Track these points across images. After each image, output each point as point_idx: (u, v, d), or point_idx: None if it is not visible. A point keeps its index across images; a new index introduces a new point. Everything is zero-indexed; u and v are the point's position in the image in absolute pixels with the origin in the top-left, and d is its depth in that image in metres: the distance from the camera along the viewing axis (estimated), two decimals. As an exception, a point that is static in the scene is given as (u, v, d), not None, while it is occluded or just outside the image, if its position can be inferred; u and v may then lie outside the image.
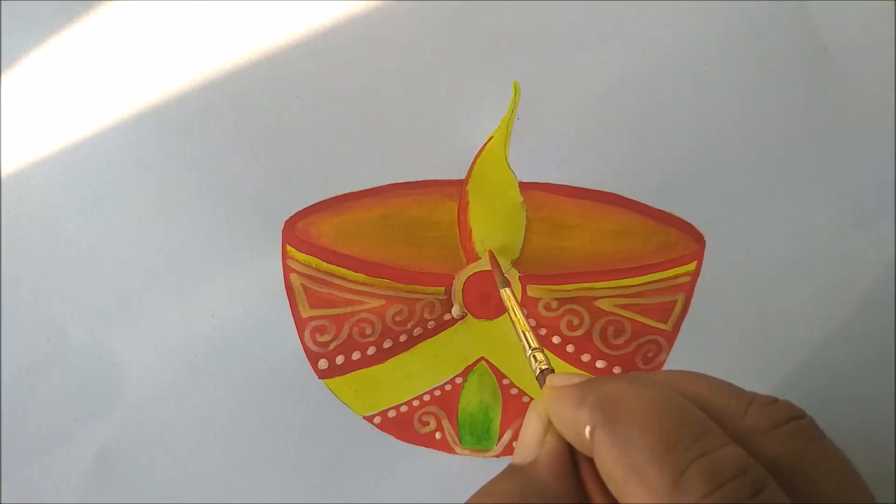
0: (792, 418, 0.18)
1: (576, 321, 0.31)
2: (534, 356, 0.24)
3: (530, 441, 0.20)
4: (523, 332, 0.26)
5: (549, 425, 0.20)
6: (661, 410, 0.17)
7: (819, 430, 0.18)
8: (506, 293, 0.28)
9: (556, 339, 0.32)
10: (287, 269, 0.31)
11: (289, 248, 0.30)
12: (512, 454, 0.32)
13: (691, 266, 0.31)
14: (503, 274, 0.30)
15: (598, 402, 0.18)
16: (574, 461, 0.20)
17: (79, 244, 0.30)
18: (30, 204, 0.30)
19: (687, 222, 0.31)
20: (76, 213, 0.30)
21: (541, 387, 0.23)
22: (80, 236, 0.30)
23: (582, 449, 0.19)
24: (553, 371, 0.23)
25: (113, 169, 0.30)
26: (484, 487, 0.20)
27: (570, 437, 0.19)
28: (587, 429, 0.18)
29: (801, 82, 0.30)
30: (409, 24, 0.29)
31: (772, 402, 0.19)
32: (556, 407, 0.20)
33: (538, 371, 0.24)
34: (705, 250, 0.31)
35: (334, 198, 0.30)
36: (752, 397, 0.19)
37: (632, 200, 0.31)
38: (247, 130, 0.30)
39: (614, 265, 0.31)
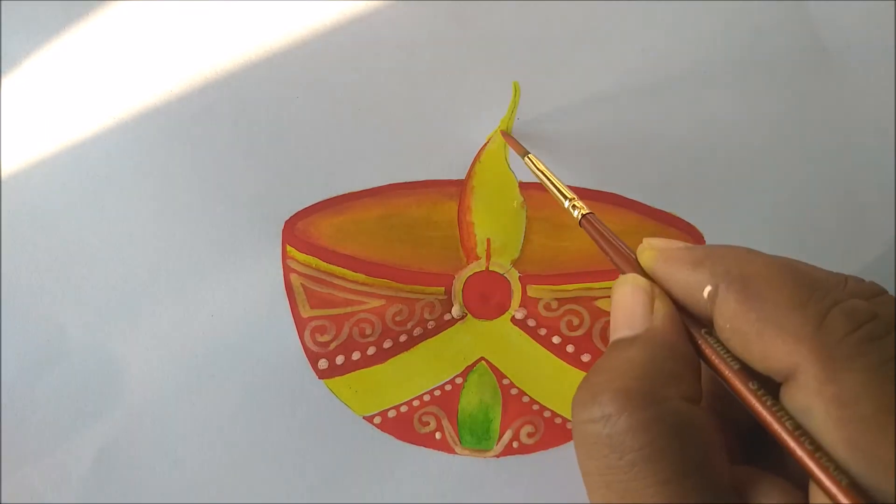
0: (882, 292, 0.19)
1: (576, 321, 0.31)
2: (574, 204, 0.24)
3: (639, 309, 0.20)
4: (556, 186, 0.26)
5: (653, 292, 0.20)
6: (788, 270, 0.18)
7: None
8: (530, 159, 0.28)
9: (556, 339, 0.32)
10: (287, 269, 0.31)
11: (289, 248, 0.30)
12: (512, 454, 0.32)
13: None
14: (520, 144, 0.29)
15: (719, 264, 0.19)
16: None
17: (79, 244, 0.30)
18: (30, 204, 0.30)
19: (687, 222, 0.31)
20: (76, 213, 0.30)
21: (581, 226, 0.24)
22: (80, 236, 0.30)
23: (696, 310, 0.19)
24: (595, 216, 0.24)
25: (113, 169, 0.30)
26: (600, 364, 0.19)
27: (682, 299, 0.20)
28: (707, 289, 0.18)
29: (801, 82, 0.30)
30: (409, 24, 0.29)
31: (862, 279, 0.19)
32: (668, 269, 0.20)
33: (580, 217, 0.24)
34: (705, 250, 0.31)
35: (334, 198, 0.30)
36: (846, 275, 0.19)
37: (632, 200, 0.31)
38: (247, 130, 0.30)
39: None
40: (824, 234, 0.32)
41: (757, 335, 0.17)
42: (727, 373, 0.18)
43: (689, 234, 0.31)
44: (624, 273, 0.21)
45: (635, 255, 0.22)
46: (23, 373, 0.30)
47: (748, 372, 0.18)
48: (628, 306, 0.20)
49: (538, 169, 0.27)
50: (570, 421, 0.32)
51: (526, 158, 0.28)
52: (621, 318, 0.20)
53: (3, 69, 0.29)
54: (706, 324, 0.19)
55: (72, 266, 0.30)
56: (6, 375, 0.30)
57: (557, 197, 0.25)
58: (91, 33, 0.29)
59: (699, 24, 0.30)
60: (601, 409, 0.18)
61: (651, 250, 0.21)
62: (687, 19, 0.30)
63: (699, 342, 0.19)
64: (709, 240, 0.31)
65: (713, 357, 0.19)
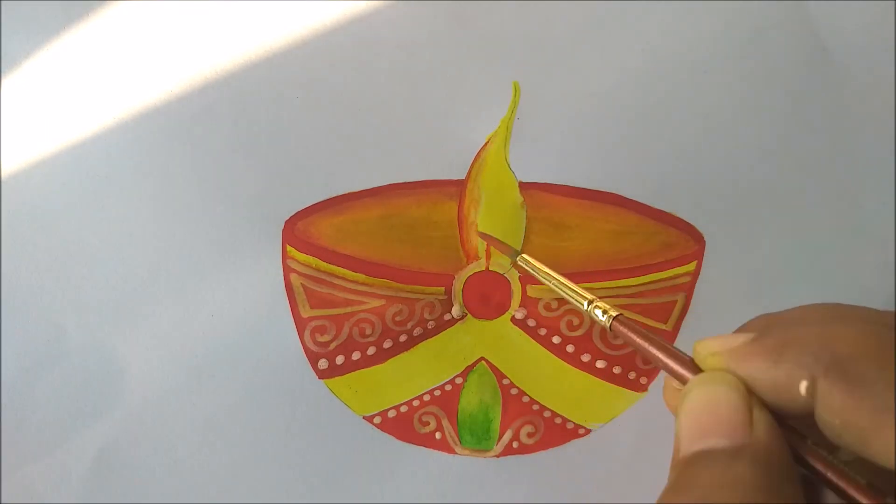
0: None
1: (576, 321, 0.31)
2: (596, 308, 0.22)
3: (736, 418, 0.17)
4: (570, 289, 0.23)
5: (750, 399, 0.17)
6: (883, 343, 0.16)
7: None
8: (524, 260, 0.26)
9: (556, 339, 0.32)
10: (287, 269, 0.31)
11: (289, 248, 0.30)
12: (512, 454, 0.32)
13: (691, 266, 0.31)
14: (507, 245, 0.29)
15: (804, 351, 0.16)
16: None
17: (79, 244, 0.30)
18: (30, 204, 0.30)
19: (687, 222, 0.31)
20: (76, 213, 0.30)
21: (610, 330, 0.21)
22: (80, 236, 0.30)
23: (791, 409, 0.17)
24: (624, 315, 0.21)
25: (113, 169, 0.30)
26: (692, 479, 0.16)
27: (771, 400, 0.17)
28: (803, 384, 0.16)
29: (801, 82, 0.30)
30: (409, 24, 0.29)
31: None
32: (747, 368, 0.17)
33: (609, 321, 0.21)
34: (705, 250, 0.31)
35: (334, 198, 0.30)
36: None
37: (632, 200, 0.31)
38: (247, 130, 0.30)
39: (614, 265, 0.31)
40: (824, 234, 0.32)
41: (876, 429, 0.15)
42: (854, 492, 0.16)
43: (690, 234, 0.31)
44: (681, 375, 0.19)
45: (688, 355, 0.19)
46: (23, 373, 0.30)
47: (876, 487, 0.16)
48: (720, 411, 0.17)
49: (538, 267, 0.25)
50: (570, 421, 0.32)
51: (519, 259, 0.27)
52: (709, 426, 0.17)
53: (3, 69, 0.29)
54: (800, 426, 0.17)
55: (72, 266, 0.30)
56: (6, 375, 0.30)
57: (571, 299, 0.23)
58: (91, 33, 0.29)
59: (699, 24, 0.30)
60: None
61: (713, 355, 0.18)
62: (687, 19, 0.30)
63: (808, 457, 0.17)
64: (709, 240, 0.31)
65: (830, 474, 0.16)
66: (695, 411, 0.18)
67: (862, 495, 0.16)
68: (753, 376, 0.17)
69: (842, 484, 0.16)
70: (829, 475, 0.16)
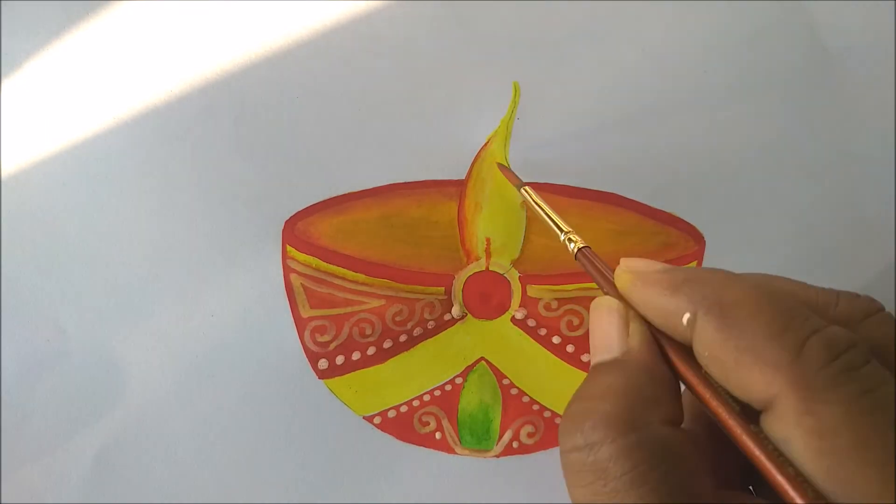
0: (879, 309, 0.19)
1: (576, 321, 0.31)
2: (569, 238, 0.24)
3: (615, 333, 0.20)
4: (552, 218, 0.26)
5: (628, 315, 0.20)
6: (766, 296, 0.18)
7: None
8: (526, 191, 0.28)
9: (556, 339, 0.32)
10: (287, 269, 0.31)
11: (289, 248, 0.30)
12: (512, 454, 0.32)
13: (691, 266, 0.31)
14: (516, 175, 0.29)
15: (697, 290, 0.18)
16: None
17: (79, 244, 0.30)
18: (30, 204, 0.30)
19: (687, 222, 0.31)
20: (76, 213, 0.30)
21: (577, 260, 0.23)
22: (80, 236, 0.30)
23: (673, 335, 0.19)
24: (591, 249, 0.23)
25: (113, 169, 0.30)
26: (581, 391, 0.19)
27: (659, 323, 0.19)
28: (685, 316, 0.18)
29: (801, 82, 0.30)
30: (409, 24, 0.29)
31: (856, 296, 0.19)
32: (645, 293, 0.20)
33: (576, 250, 0.24)
34: (705, 250, 0.31)
35: (334, 198, 0.30)
36: (838, 291, 0.19)
37: (632, 200, 0.31)
38: (247, 130, 0.30)
39: (614, 265, 0.31)
40: (824, 234, 0.32)
41: (735, 364, 0.17)
42: (707, 396, 0.18)
43: (690, 234, 0.31)
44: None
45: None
46: (23, 373, 0.30)
47: (729, 397, 0.18)
48: (604, 330, 0.20)
49: (533, 200, 0.27)
50: (570, 421, 0.32)
51: (522, 190, 0.28)
52: (598, 342, 0.20)
53: (3, 69, 0.29)
54: (685, 348, 0.19)
55: (72, 266, 0.30)
56: (6, 375, 0.30)
57: (553, 229, 0.25)
58: (91, 33, 0.29)
59: (699, 24, 0.30)
60: (584, 437, 0.18)
61: (627, 273, 0.20)
62: (687, 19, 0.30)
63: (676, 364, 0.19)
64: (709, 240, 0.31)
65: (692, 379, 0.19)
66: (591, 332, 0.21)
67: (717, 403, 0.18)
68: (650, 301, 0.19)
69: (698, 388, 0.18)
70: (692, 381, 0.19)
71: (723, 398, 0.18)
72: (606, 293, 0.21)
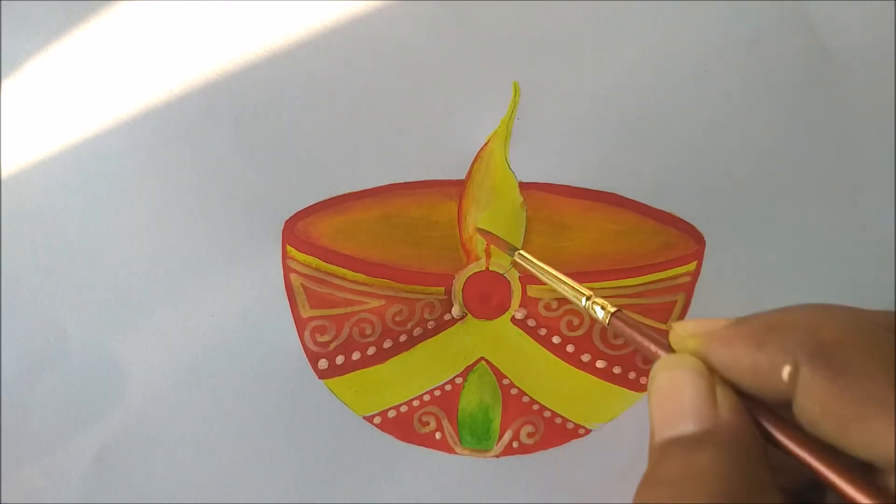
0: None
1: (576, 321, 0.31)
2: (594, 304, 0.21)
3: (699, 402, 0.16)
4: (569, 285, 0.23)
5: (713, 379, 0.17)
6: (868, 334, 0.16)
7: None
8: (521, 257, 0.26)
9: (556, 339, 0.32)
10: (287, 269, 0.31)
11: (289, 248, 0.30)
12: (511, 454, 0.32)
13: (691, 266, 0.31)
14: (506, 241, 0.29)
15: (789, 337, 0.16)
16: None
17: (79, 244, 0.30)
18: (30, 204, 0.30)
19: (687, 222, 0.31)
20: (76, 213, 0.30)
21: (610, 327, 0.21)
22: (80, 236, 0.30)
23: (768, 396, 0.16)
24: (623, 311, 0.21)
25: (113, 169, 0.30)
26: (660, 472, 0.16)
27: (751, 384, 0.17)
28: (786, 369, 0.16)
29: (801, 82, 0.30)
30: (409, 24, 0.29)
31: None
32: (727, 352, 0.17)
33: (608, 317, 0.21)
34: (705, 250, 0.31)
35: (334, 198, 0.30)
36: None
37: (632, 200, 0.31)
38: (247, 130, 0.30)
39: (614, 265, 0.31)
40: (824, 234, 0.32)
41: (857, 418, 0.15)
42: (825, 469, 0.15)
43: (690, 234, 0.31)
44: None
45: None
46: (23, 373, 0.30)
47: (856, 470, 0.15)
48: (682, 397, 0.17)
49: (536, 264, 0.25)
50: (570, 421, 0.32)
51: (517, 255, 0.26)
52: (674, 411, 0.17)
53: (3, 69, 0.29)
54: (778, 410, 0.16)
55: (72, 266, 0.30)
56: (6, 375, 0.30)
57: (567, 294, 0.23)
58: (91, 33, 0.29)
59: (699, 24, 0.30)
60: None
61: (693, 337, 0.18)
62: (687, 19, 0.30)
63: (776, 433, 0.16)
64: (709, 240, 0.31)
65: (804, 449, 0.16)
66: (661, 396, 0.17)
67: (844, 480, 0.15)
68: (734, 360, 0.17)
69: (819, 467, 0.15)
70: (808, 455, 0.16)
71: (847, 469, 0.15)
72: (651, 354, 0.19)
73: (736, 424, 0.16)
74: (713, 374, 0.17)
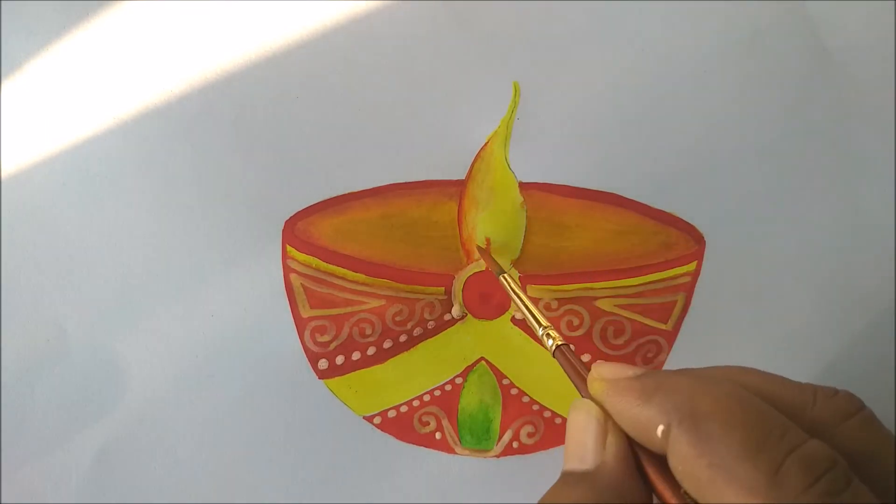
0: (858, 409, 0.18)
1: (576, 321, 0.31)
2: (547, 334, 0.24)
3: (590, 443, 0.19)
4: (531, 311, 0.25)
5: (607, 424, 0.19)
6: (741, 407, 0.17)
7: (878, 420, 0.18)
8: (504, 279, 0.28)
9: (556, 339, 0.32)
10: (287, 269, 0.31)
11: (289, 248, 0.30)
12: (511, 454, 0.32)
13: (691, 266, 0.31)
14: (497, 263, 0.29)
15: (669, 399, 0.17)
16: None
17: (79, 244, 0.30)
18: (30, 204, 0.30)
19: (687, 222, 0.31)
20: (76, 213, 0.30)
21: (554, 357, 0.23)
22: (80, 236, 0.30)
23: (650, 446, 0.18)
24: (570, 347, 0.23)
25: (113, 169, 0.30)
26: (549, 498, 0.19)
27: (634, 435, 0.19)
28: (659, 428, 0.17)
29: (801, 82, 0.30)
30: (409, 24, 0.29)
31: (834, 393, 0.18)
32: (618, 402, 0.19)
33: (554, 348, 0.23)
34: (705, 250, 0.31)
35: (334, 198, 0.30)
36: (815, 389, 0.18)
37: (632, 200, 0.31)
38: (247, 130, 0.30)
39: (614, 265, 0.31)
40: (824, 234, 0.32)
41: (709, 482, 0.16)
42: None
43: (690, 234, 0.31)
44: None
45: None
46: (23, 373, 0.30)
47: None
48: (580, 437, 0.19)
49: (512, 288, 0.27)
50: (570, 421, 0.32)
51: (501, 277, 0.28)
52: (572, 449, 0.19)
53: (3, 69, 0.29)
54: (662, 460, 0.18)
55: (72, 266, 0.30)
56: (6, 375, 0.30)
57: (531, 322, 0.25)
58: (91, 33, 0.29)
59: (699, 24, 0.30)
60: None
61: (599, 381, 0.20)
62: (687, 19, 0.30)
63: (653, 480, 0.18)
64: (709, 240, 0.31)
65: (668, 498, 0.18)
66: (568, 433, 0.20)
67: None
68: (623, 411, 0.19)
69: None
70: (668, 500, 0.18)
71: None
72: (584, 396, 0.21)
73: (615, 469, 0.18)
74: (608, 421, 0.19)
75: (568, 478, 0.19)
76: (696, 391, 0.17)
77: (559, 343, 0.23)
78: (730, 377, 0.19)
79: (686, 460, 0.17)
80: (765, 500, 0.15)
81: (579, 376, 0.21)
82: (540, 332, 0.24)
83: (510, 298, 0.28)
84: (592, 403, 0.20)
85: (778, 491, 0.15)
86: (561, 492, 0.19)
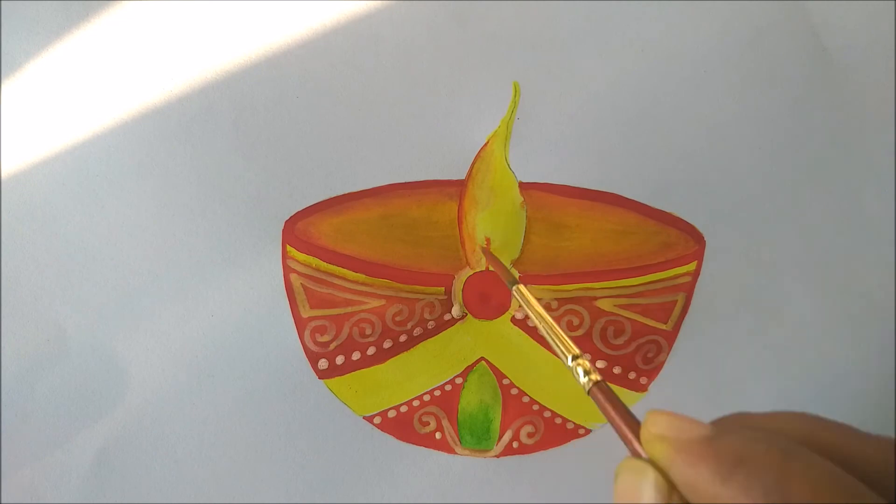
0: None
1: (576, 321, 0.31)
2: (579, 367, 0.20)
3: None
4: (556, 337, 0.21)
5: (671, 496, 0.16)
6: (835, 490, 0.15)
7: None
8: (518, 290, 0.25)
9: (556, 339, 0.32)
10: (287, 269, 0.31)
11: (289, 248, 0.30)
12: (511, 454, 0.32)
13: (691, 266, 0.31)
14: (508, 272, 0.29)
15: (758, 480, 0.15)
16: None
17: (79, 244, 0.30)
18: (30, 204, 0.30)
19: (687, 222, 0.31)
20: (76, 213, 0.30)
21: (590, 395, 0.19)
22: (80, 236, 0.30)
23: None
24: (607, 384, 0.19)
25: (113, 169, 0.30)
26: None
27: None
28: None
29: (801, 82, 0.30)
30: (409, 24, 0.29)
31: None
32: (690, 474, 0.16)
33: (589, 385, 0.19)
34: (705, 250, 0.31)
35: (334, 198, 0.30)
36: (878, 441, 0.16)
37: (632, 200, 0.31)
38: (247, 130, 0.30)
39: (614, 265, 0.31)
40: (824, 234, 0.32)
41: None
42: None
43: (690, 234, 0.31)
44: (633, 454, 0.18)
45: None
46: (23, 373, 0.30)
47: None
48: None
49: (532, 304, 0.24)
50: (570, 421, 0.32)
51: (516, 288, 0.25)
52: None
53: (3, 69, 0.29)
54: None
55: (72, 266, 0.30)
56: (6, 375, 0.30)
57: (558, 350, 0.21)
58: (91, 33, 0.29)
59: (699, 24, 0.30)
60: None
61: (661, 441, 0.16)
62: (686, 19, 0.30)
63: None
64: (709, 240, 0.31)
65: None
66: (620, 497, 0.17)
67: None
68: (695, 485, 0.16)
69: None
70: None
71: None
72: (622, 435, 0.18)
73: None
74: (672, 491, 0.16)
75: None
76: (787, 470, 0.15)
77: (596, 380, 0.19)
78: (810, 439, 0.16)
79: None
80: None
81: (627, 423, 0.18)
82: (569, 362, 0.20)
83: (526, 311, 0.25)
84: (652, 469, 0.16)
85: None
86: None
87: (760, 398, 0.33)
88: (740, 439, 0.16)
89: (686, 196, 0.31)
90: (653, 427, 0.17)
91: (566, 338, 0.21)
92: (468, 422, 0.32)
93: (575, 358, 0.20)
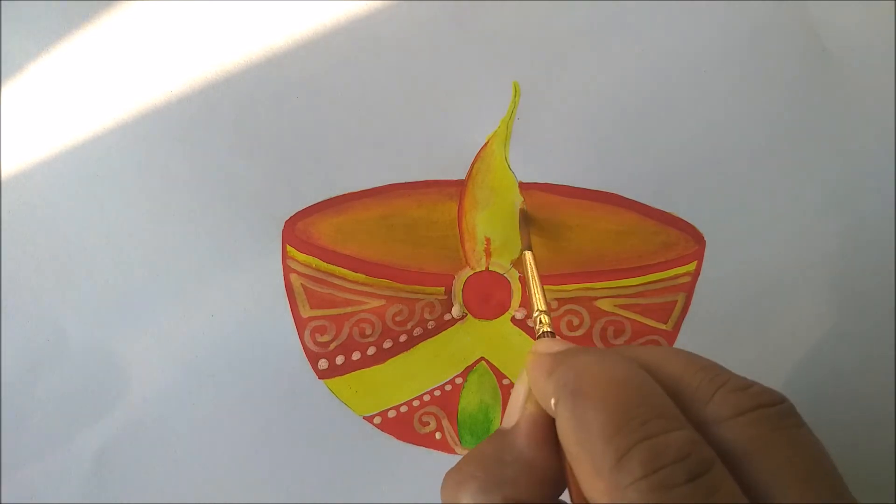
0: (759, 406, 0.17)
1: (576, 321, 0.31)
2: (539, 318, 0.24)
3: (514, 406, 0.21)
4: (535, 292, 0.26)
5: (530, 391, 0.20)
6: (618, 389, 0.17)
7: (794, 418, 0.18)
8: (528, 255, 0.28)
9: (556, 339, 0.32)
10: (287, 269, 0.31)
11: (289, 248, 0.30)
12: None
13: (691, 266, 0.31)
14: (528, 236, 0.29)
15: (563, 375, 0.18)
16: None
17: (79, 244, 0.30)
18: (30, 204, 0.30)
19: (687, 222, 0.31)
20: (76, 213, 0.30)
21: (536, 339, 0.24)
22: (80, 236, 0.30)
23: (554, 416, 0.19)
24: (553, 335, 0.23)
25: (113, 169, 0.30)
26: (471, 450, 0.21)
27: (543, 405, 0.20)
28: (552, 400, 0.18)
29: (801, 82, 0.30)
30: (409, 24, 0.29)
31: (743, 387, 0.18)
32: (532, 374, 0.20)
33: (539, 333, 0.24)
34: (705, 250, 0.31)
35: (334, 198, 0.30)
36: (724, 381, 0.18)
37: (632, 200, 0.31)
38: (247, 130, 0.30)
39: (614, 265, 0.31)
40: (824, 234, 0.32)
41: (576, 460, 0.16)
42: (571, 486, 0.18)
43: (690, 234, 0.31)
44: None
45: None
46: (23, 373, 0.30)
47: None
48: (512, 400, 0.21)
49: (529, 265, 0.27)
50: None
51: (526, 252, 0.28)
52: (507, 408, 0.21)
53: (3, 69, 0.29)
54: None
55: (72, 266, 0.30)
56: (6, 375, 0.30)
57: (533, 301, 0.26)
58: (91, 33, 0.29)
59: (699, 24, 0.30)
60: (445, 494, 0.19)
61: (529, 354, 0.21)
62: (686, 19, 0.30)
63: (558, 449, 0.19)
64: (709, 240, 0.31)
65: (564, 464, 0.18)
66: (512, 400, 0.21)
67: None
68: (532, 382, 0.20)
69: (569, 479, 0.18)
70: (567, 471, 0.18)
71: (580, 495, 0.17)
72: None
73: (523, 429, 0.20)
74: (531, 394, 0.20)
75: (492, 433, 0.21)
76: (587, 370, 0.18)
77: (545, 330, 0.24)
78: (644, 358, 0.19)
79: (564, 436, 0.17)
80: (606, 484, 0.15)
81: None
82: (535, 313, 0.25)
83: (526, 277, 0.28)
84: (523, 374, 0.21)
85: (618, 476, 0.15)
86: (480, 445, 0.20)
87: (760, 398, 0.33)
88: (576, 352, 0.20)
89: (686, 196, 0.31)
90: (533, 347, 0.22)
91: (542, 299, 0.25)
92: (468, 422, 0.32)
93: (539, 312, 0.25)
